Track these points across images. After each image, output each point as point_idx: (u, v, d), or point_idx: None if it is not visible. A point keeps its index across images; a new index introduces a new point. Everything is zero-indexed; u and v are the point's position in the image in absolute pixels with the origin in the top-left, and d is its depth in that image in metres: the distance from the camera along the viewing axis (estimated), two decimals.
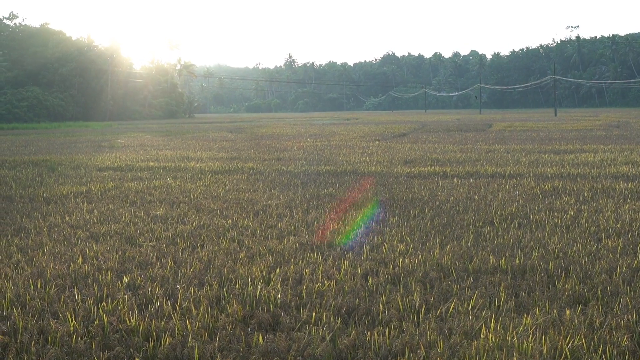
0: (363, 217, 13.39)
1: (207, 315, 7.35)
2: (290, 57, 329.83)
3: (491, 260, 9.48)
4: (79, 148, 36.91)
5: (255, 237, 11.61)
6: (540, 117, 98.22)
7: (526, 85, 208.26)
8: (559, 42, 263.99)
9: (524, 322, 6.98)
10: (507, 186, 17.71)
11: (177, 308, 7.64)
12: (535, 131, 49.41)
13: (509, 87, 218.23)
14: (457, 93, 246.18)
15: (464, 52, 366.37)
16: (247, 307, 7.64)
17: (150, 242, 11.34)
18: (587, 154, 27.15)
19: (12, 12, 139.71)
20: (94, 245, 11.07)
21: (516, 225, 12.32)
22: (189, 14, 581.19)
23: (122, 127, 76.63)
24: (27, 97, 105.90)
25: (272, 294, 8.00)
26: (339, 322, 7.13)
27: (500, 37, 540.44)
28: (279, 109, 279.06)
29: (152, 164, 25.80)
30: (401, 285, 8.46)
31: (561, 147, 31.69)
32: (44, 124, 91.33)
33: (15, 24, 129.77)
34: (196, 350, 6.41)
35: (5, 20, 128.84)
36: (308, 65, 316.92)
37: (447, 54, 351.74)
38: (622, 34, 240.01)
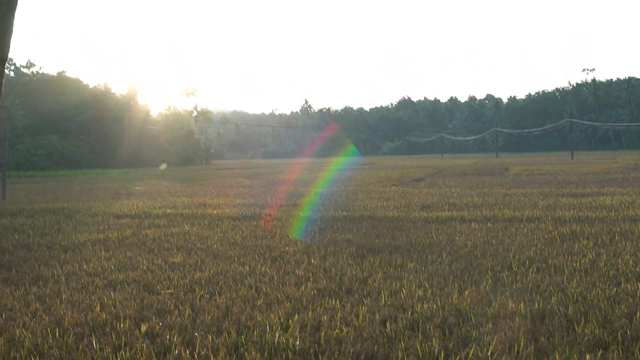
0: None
1: None
2: (306, 102, 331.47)
3: (510, 305, 9.42)
4: (96, 195, 37.08)
5: (273, 284, 11.58)
6: (557, 160, 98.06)
7: (542, 128, 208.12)
8: (574, 85, 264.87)
9: None
10: (525, 230, 17.64)
11: (196, 356, 7.62)
12: (552, 174, 49.32)
13: (526, 130, 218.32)
14: (473, 137, 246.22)
15: (480, 96, 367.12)
16: (266, 355, 7.62)
17: (168, 290, 11.33)
18: (605, 197, 27.04)
19: (29, 60, 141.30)
20: (111, 293, 11.07)
21: (534, 270, 12.25)
22: (205, 60, 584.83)
23: (139, 174, 76.95)
24: (44, 145, 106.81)
25: (290, 341, 7.97)
26: None
27: (515, 81, 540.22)
28: (296, 155, 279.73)
29: (169, 210, 25.86)
30: (420, 331, 8.41)
31: (579, 190, 31.60)
32: (61, 171, 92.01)
33: (32, 72, 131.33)
34: None
35: (22, 69, 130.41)
36: (324, 110, 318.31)
37: (462, 98, 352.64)
38: (638, 76, 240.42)
